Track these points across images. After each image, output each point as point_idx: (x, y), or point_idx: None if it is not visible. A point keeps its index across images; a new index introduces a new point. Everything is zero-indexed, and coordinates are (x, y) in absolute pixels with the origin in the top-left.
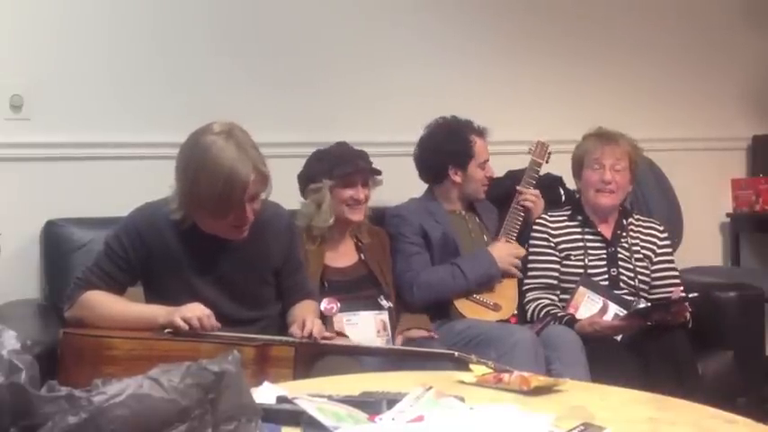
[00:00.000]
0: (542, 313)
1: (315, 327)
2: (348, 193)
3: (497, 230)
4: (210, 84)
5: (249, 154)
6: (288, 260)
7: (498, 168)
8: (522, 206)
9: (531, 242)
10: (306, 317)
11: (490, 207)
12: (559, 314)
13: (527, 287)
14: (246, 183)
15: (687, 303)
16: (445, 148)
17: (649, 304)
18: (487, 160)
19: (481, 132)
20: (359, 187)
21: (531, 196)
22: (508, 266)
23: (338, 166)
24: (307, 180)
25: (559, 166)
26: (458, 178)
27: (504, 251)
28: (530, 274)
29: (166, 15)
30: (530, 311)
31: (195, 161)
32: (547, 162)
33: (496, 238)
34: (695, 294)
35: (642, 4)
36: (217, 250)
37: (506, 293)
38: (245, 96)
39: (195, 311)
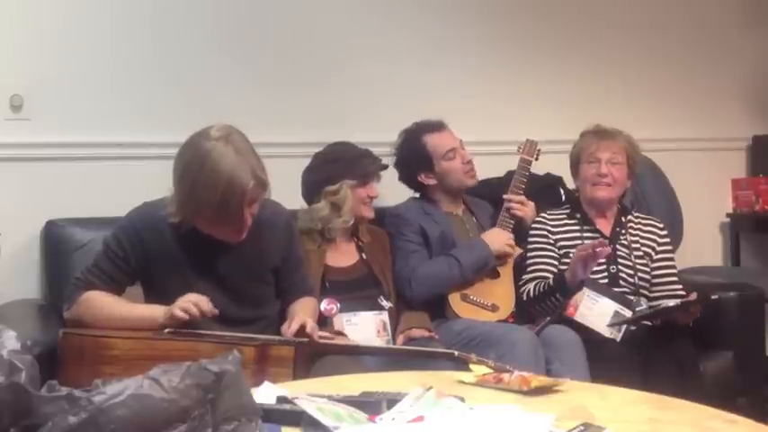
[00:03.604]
0: (539, 288)
1: (308, 325)
2: (366, 191)
3: None
4: (210, 84)
5: (248, 160)
6: (287, 259)
7: (498, 168)
8: (512, 215)
9: (530, 239)
10: (296, 315)
11: (487, 207)
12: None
13: (524, 281)
14: (245, 190)
15: (699, 305)
16: (405, 160)
17: (679, 302)
18: (454, 149)
19: (435, 127)
20: (373, 184)
21: (516, 204)
22: (501, 246)
23: (358, 166)
24: (322, 183)
25: (559, 166)
26: (431, 180)
27: (497, 234)
28: (528, 270)
29: (166, 15)
30: (525, 294)
31: (194, 168)
32: (536, 159)
33: None
34: (716, 296)
35: (642, 3)
36: (216, 251)
37: (503, 293)
38: (245, 96)
39: (191, 299)
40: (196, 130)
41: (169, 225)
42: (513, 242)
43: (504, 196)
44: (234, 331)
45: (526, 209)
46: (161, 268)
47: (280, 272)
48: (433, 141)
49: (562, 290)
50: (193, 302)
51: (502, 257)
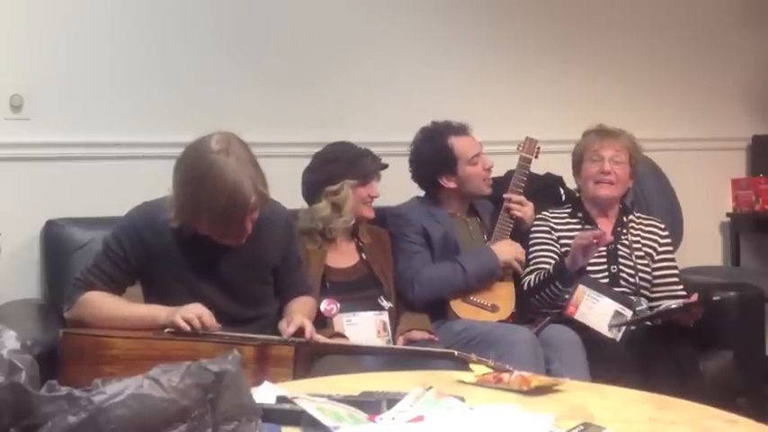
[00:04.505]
0: (539, 277)
1: (306, 328)
2: (367, 190)
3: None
4: (210, 84)
5: (249, 172)
6: (286, 258)
7: (498, 168)
8: (513, 216)
9: (532, 236)
10: (294, 316)
11: (488, 206)
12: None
13: (525, 274)
14: (247, 204)
15: (701, 306)
16: (428, 159)
17: (681, 303)
18: (478, 154)
19: (460, 130)
20: (374, 183)
21: (516, 204)
22: (510, 258)
23: (359, 165)
24: (323, 183)
25: (559, 166)
26: (452, 184)
27: (507, 246)
28: (530, 263)
29: (166, 15)
30: (526, 285)
31: (195, 181)
32: (536, 157)
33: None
34: (718, 298)
35: (642, 4)
36: (216, 251)
37: (504, 294)
38: (245, 96)
39: (196, 311)
40: (196, 129)
41: (169, 226)
42: (522, 257)
43: (504, 195)
44: (234, 330)
45: (525, 209)
46: (161, 268)
47: (279, 271)
48: (459, 144)
49: (562, 277)
50: (197, 315)
51: (507, 268)
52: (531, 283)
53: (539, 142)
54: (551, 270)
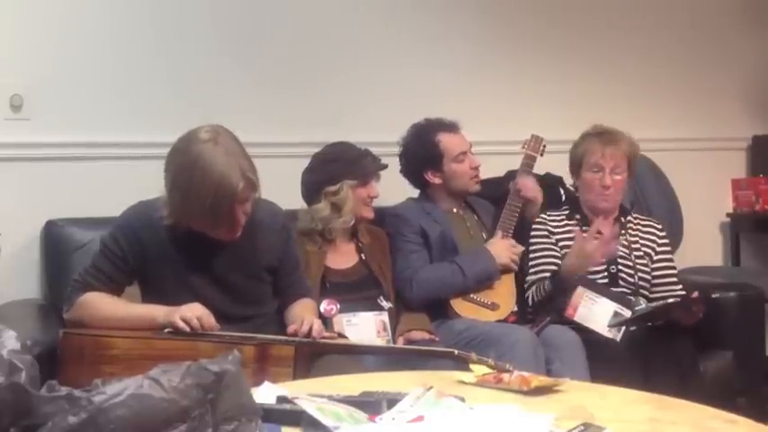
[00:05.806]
0: (541, 291)
1: (315, 325)
2: (367, 191)
3: (494, 228)
4: (210, 84)
5: (238, 161)
6: (283, 260)
7: (498, 168)
8: (524, 197)
9: (532, 240)
10: (305, 315)
11: (488, 206)
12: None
13: (528, 283)
14: (236, 194)
15: (701, 304)
16: (414, 154)
17: (679, 299)
18: (465, 152)
19: (450, 127)
20: (373, 183)
21: (529, 187)
22: (507, 261)
23: (358, 166)
24: (323, 183)
25: (559, 165)
26: (437, 179)
27: (503, 246)
28: (531, 270)
29: (166, 15)
30: (530, 297)
31: (185, 173)
32: (541, 155)
33: (497, 236)
34: (717, 295)
35: (643, 4)
36: (212, 249)
37: (504, 292)
38: (244, 96)
39: (195, 311)
40: None
41: (165, 225)
42: (518, 257)
43: (512, 183)
44: (231, 328)
45: (538, 192)
46: (158, 267)
47: (277, 272)
48: (446, 141)
49: (560, 289)
50: (197, 316)
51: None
52: (535, 297)
53: (544, 140)
54: (548, 285)
